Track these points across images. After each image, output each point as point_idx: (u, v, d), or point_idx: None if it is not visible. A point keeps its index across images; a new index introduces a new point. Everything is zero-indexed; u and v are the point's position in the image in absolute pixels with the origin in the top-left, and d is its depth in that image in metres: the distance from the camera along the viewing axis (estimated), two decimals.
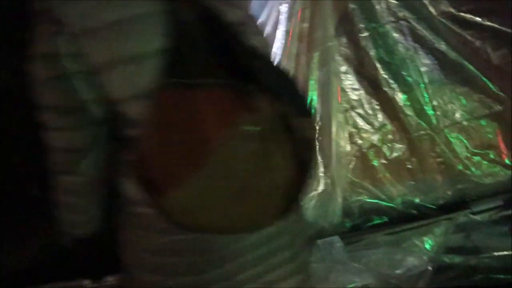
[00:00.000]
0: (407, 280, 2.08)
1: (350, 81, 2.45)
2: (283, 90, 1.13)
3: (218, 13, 1.12)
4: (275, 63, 1.33)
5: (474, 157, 2.69)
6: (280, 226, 1.22)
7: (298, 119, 1.12)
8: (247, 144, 1.06)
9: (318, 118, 2.30)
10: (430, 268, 2.08)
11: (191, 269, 1.21)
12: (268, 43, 1.49)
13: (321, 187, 2.35)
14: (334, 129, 2.34)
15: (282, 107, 1.09)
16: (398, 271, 2.09)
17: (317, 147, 2.33)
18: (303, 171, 1.13)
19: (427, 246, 2.27)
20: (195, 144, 1.04)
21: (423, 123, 2.58)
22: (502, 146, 2.75)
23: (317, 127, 2.31)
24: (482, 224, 2.52)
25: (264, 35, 2.25)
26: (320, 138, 2.33)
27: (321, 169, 2.35)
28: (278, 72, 1.22)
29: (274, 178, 1.10)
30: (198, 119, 1.04)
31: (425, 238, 2.28)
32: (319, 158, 2.32)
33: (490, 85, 2.67)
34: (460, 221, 2.50)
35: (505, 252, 2.45)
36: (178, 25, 1.07)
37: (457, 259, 2.37)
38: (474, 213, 2.63)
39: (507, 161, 2.75)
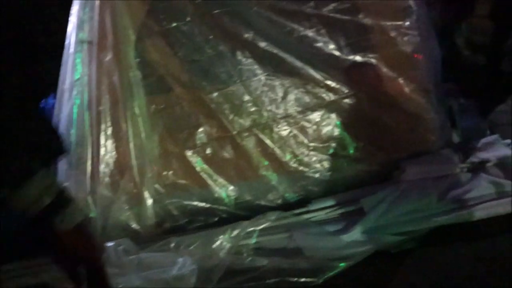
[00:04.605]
0: (174, 280, 1.96)
1: (155, 84, 2.36)
2: None
3: None
4: None
5: (311, 151, 2.46)
6: None
7: None
8: None
9: (109, 124, 2.25)
10: (195, 267, 1.94)
11: None
12: None
13: (125, 189, 2.30)
14: (131, 133, 2.27)
15: None
16: (167, 272, 1.98)
17: (114, 151, 2.28)
18: None
19: (221, 247, 2.12)
20: None
21: (243, 120, 2.41)
22: (345, 137, 2.48)
23: (110, 133, 2.26)
24: (305, 224, 2.29)
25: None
26: (117, 143, 2.27)
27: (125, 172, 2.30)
28: None
29: None
30: None
31: (216, 239, 2.13)
32: (115, 163, 2.27)
33: (321, 75, 2.42)
34: (282, 222, 2.29)
35: (320, 253, 2.20)
36: None
37: (262, 261, 2.17)
38: (310, 211, 2.40)
39: (351, 152, 2.48)
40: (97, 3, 2.21)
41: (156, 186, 2.34)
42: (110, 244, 2.10)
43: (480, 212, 2.36)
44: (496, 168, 2.61)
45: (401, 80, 2.45)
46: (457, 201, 2.40)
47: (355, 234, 2.26)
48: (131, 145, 2.26)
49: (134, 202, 2.30)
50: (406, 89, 2.46)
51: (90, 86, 2.25)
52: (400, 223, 2.31)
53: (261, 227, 2.22)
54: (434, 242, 2.26)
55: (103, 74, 2.24)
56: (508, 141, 2.80)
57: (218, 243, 2.13)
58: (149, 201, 2.31)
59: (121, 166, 2.27)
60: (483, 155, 2.63)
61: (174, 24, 2.32)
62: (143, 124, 2.29)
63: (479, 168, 2.58)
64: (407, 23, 2.38)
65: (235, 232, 2.15)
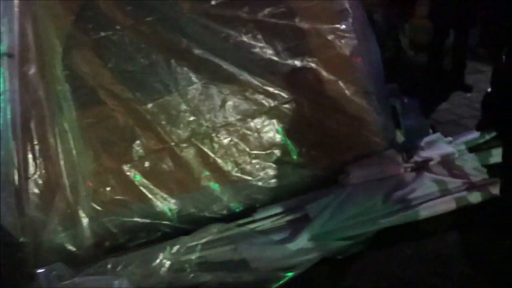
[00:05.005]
0: None
1: (86, 97, 2.22)
2: None
3: None
4: None
5: (253, 159, 2.38)
6: None
7: None
8: None
9: (36, 141, 2.10)
10: None
11: None
12: None
13: (58, 210, 2.15)
14: (61, 150, 2.12)
15: None
16: None
17: (44, 170, 2.12)
18: None
19: (161, 265, 2.01)
20: None
21: (181, 131, 2.30)
22: (288, 143, 2.42)
23: (38, 151, 2.10)
24: (250, 235, 2.20)
25: None
26: (46, 161, 2.12)
27: (56, 191, 2.15)
28: None
29: None
30: None
31: (155, 257, 2.01)
32: (45, 182, 2.12)
33: (259, 81, 2.35)
34: (226, 234, 2.20)
35: (265, 264, 2.12)
36: None
37: (205, 276, 2.07)
38: (255, 221, 2.32)
39: (294, 158, 2.42)
40: (16, 13, 2.06)
41: (92, 204, 2.20)
42: (41, 270, 1.95)
43: (425, 211, 2.35)
44: (439, 166, 2.62)
45: (341, 83, 2.41)
46: (402, 202, 2.38)
47: (301, 241, 2.20)
48: (62, 162, 2.12)
49: (68, 223, 2.16)
50: (347, 92, 2.42)
51: (14, 102, 2.10)
52: (346, 228, 2.27)
53: (204, 241, 2.12)
54: (380, 244, 2.23)
55: (27, 88, 2.09)
56: (450, 138, 2.83)
57: (157, 261, 2.02)
58: (85, 221, 2.17)
59: (52, 185, 2.12)
60: (426, 153, 2.63)
61: (103, 34, 2.20)
62: (74, 139, 2.15)
63: (422, 167, 2.58)
64: (344, 26, 2.35)
65: (175, 248, 2.05)
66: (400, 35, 4.35)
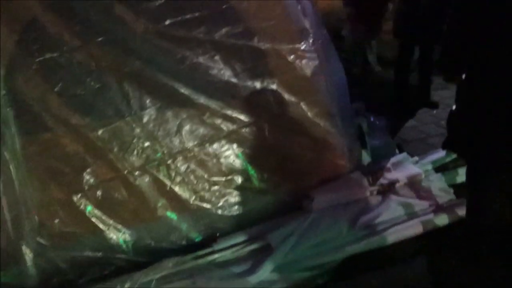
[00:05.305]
0: None
1: (32, 124, 2.07)
2: None
3: None
4: None
5: (212, 186, 2.26)
6: None
7: None
8: None
9: None
10: None
11: None
12: None
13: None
14: (0, 182, 1.96)
15: None
16: None
17: None
18: None
19: None
20: None
21: (134, 158, 2.17)
22: (248, 169, 2.31)
23: None
24: (209, 267, 2.08)
25: None
26: None
27: None
28: None
29: None
30: None
31: None
32: None
33: (217, 105, 2.24)
34: (183, 267, 2.07)
35: None
36: None
37: None
38: (215, 251, 2.20)
39: (255, 184, 2.31)
40: None
41: (38, 238, 2.04)
42: None
43: (391, 237, 2.26)
44: (405, 188, 2.55)
45: (303, 105, 2.32)
46: (368, 227, 2.29)
47: (263, 274, 2.08)
48: (2, 195, 1.95)
49: (11, 261, 1.99)
50: (309, 114, 2.34)
51: None
52: (310, 257, 2.16)
53: (158, 276, 1.98)
54: (345, 274, 2.13)
55: None
56: (416, 158, 2.77)
57: None
58: (30, 257, 2.02)
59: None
60: (392, 175, 2.56)
61: (49, 55, 2.05)
62: (17, 170, 1.99)
63: (388, 189, 2.50)
64: (304, 46, 2.26)
65: (127, 286, 1.90)
66: (367, 51, 4.32)
